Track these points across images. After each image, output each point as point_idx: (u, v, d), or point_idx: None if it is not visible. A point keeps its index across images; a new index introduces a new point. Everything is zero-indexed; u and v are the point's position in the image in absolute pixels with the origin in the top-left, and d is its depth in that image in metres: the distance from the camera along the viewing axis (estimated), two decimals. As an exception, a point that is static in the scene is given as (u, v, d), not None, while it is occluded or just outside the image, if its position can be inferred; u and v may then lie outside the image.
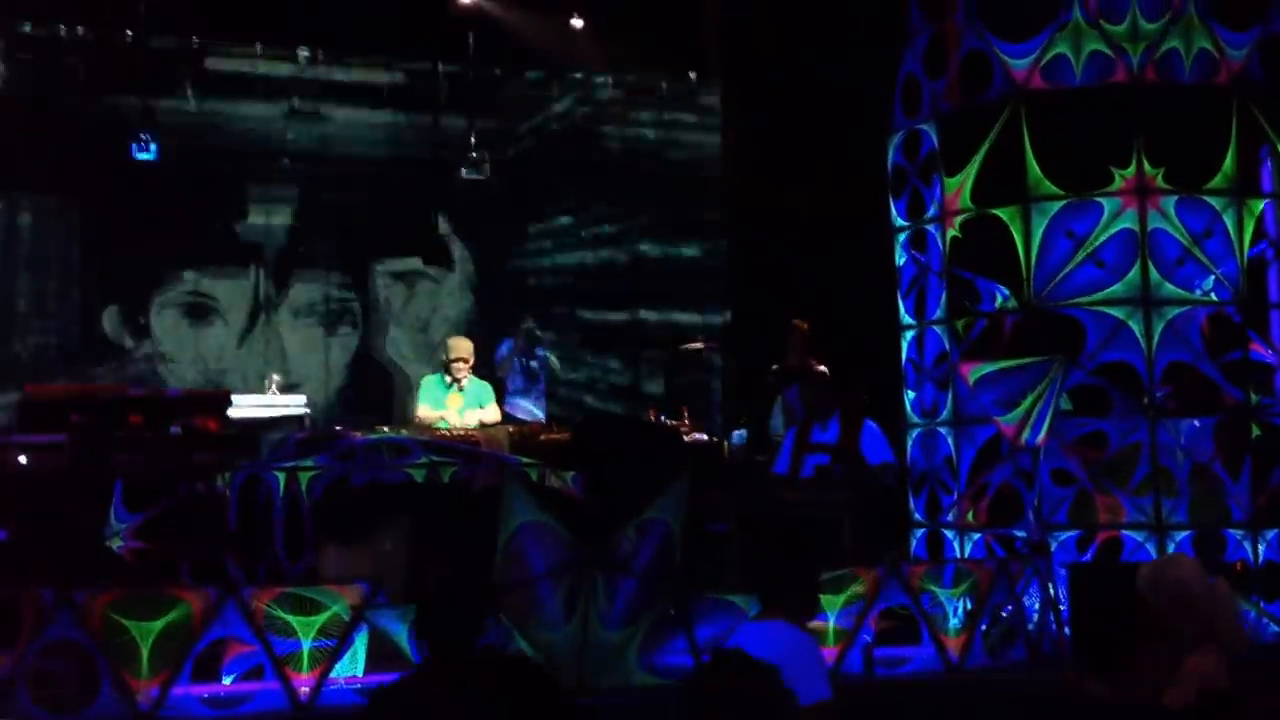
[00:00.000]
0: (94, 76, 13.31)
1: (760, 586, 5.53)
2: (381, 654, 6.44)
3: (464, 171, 14.20)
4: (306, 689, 6.21)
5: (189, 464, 8.50)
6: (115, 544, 7.74)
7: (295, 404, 11.23)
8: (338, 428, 10.30)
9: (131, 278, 13.74)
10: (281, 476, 7.92)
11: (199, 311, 14.19)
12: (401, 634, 6.27)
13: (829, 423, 8.48)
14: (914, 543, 8.85)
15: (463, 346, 10.60)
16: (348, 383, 14.60)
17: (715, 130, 15.86)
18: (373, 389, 14.65)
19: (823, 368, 9.67)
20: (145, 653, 5.97)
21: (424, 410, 10.31)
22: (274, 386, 11.50)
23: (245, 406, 10.53)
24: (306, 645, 6.29)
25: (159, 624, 6.03)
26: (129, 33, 13.36)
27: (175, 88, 13.71)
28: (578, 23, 14.45)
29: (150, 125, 12.65)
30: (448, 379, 10.36)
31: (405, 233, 14.92)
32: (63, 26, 13.38)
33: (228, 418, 9.66)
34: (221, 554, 7.69)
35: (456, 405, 10.28)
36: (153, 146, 12.43)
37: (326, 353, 14.76)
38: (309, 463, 8.09)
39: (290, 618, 6.31)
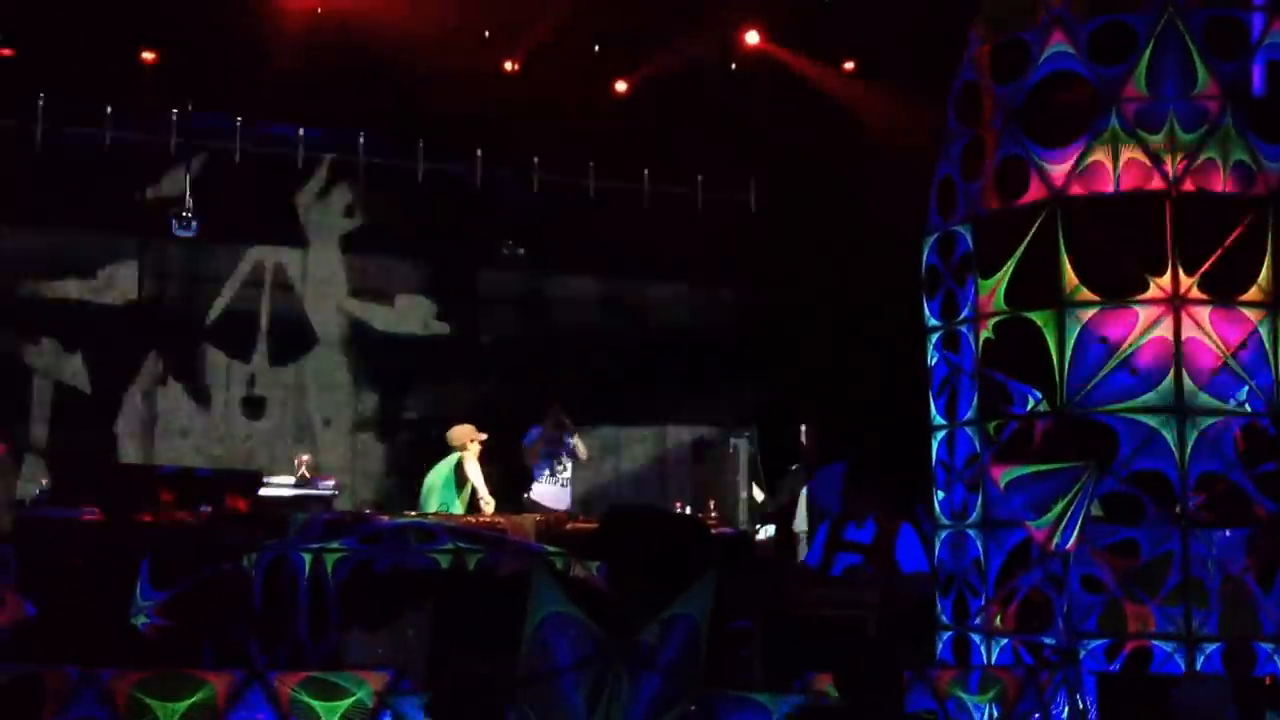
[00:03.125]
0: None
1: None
2: (404, 742, 6.38)
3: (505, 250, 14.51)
4: (328, 775, 6.18)
5: (217, 543, 8.53)
6: (140, 620, 7.75)
7: (324, 485, 11.31)
8: (366, 510, 10.36)
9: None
10: (307, 558, 7.91)
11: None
12: (425, 722, 6.23)
13: (864, 522, 8.43)
14: (940, 646, 8.78)
15: None
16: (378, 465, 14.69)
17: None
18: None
19: None
20: (168, 734, 5.96)
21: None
22: (304, 468, 11.56)
23: (275, 487, 10.63)
24: (329, 730, 6.26)
25: (183, 705, 6.00)
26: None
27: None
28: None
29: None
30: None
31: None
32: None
33: (257, 497, 9.72)
34: (245, 634, 7.69)
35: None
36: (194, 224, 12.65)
37: (355, 434, 14.84)
38: (335, 545, 8.08)
39: (314, 702, 6.27)
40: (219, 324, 14.69)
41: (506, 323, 15.74)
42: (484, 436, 10.96)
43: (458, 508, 10.68)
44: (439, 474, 10.95)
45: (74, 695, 5.89)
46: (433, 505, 10.85)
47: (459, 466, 10.96)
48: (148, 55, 13.31)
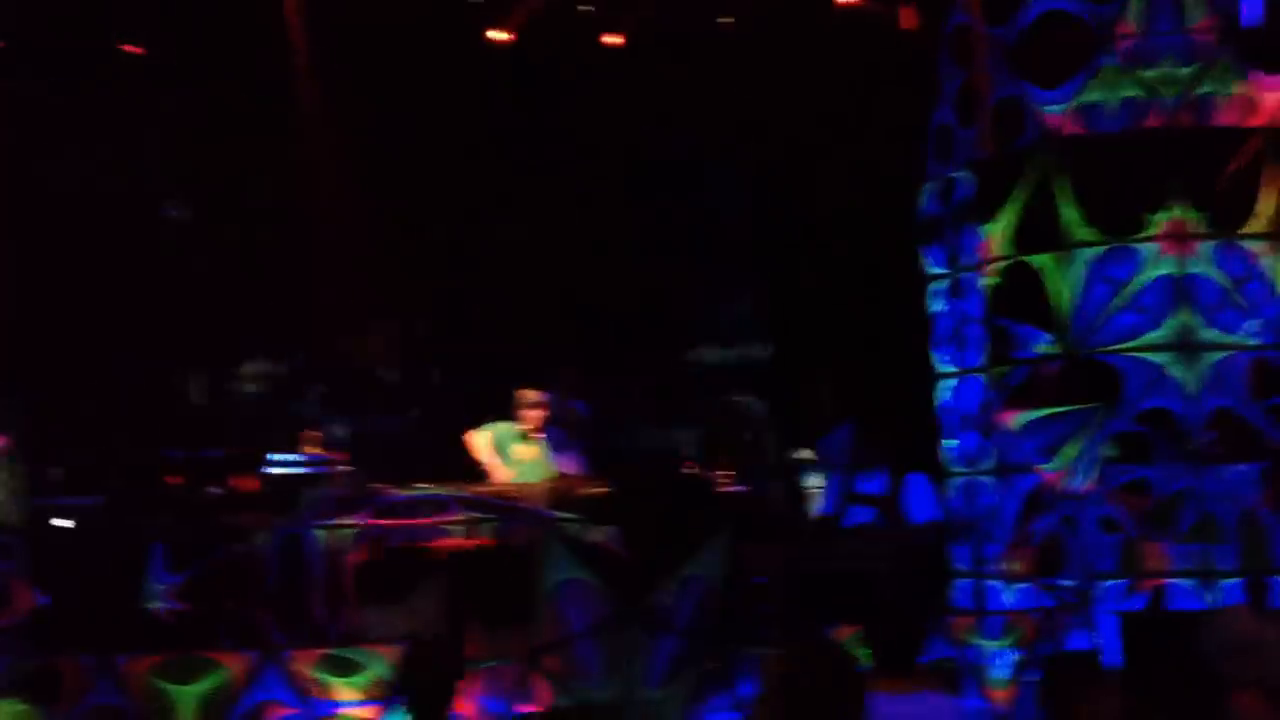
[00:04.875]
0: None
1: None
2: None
3: None
4: (348, 751, 6.18)
5: (228, 524, 8.53)
6: (154, 605, 7.75)
7: (333, 461, 11.27)
8: (376, 485, 10.28)
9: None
10: (320, 535, 7.90)
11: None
12: (443, 695, 6.22)
13: (874, 473, 8.43)
14: (957, 593, 8.75)
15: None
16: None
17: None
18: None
19: None
20: (186, 718, 5.96)
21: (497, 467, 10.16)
22: (311, 445, 11.52)
23: (283, 465, 10.60)
24: (347, 707, 6.26)
25: (199, 688, 6.01)
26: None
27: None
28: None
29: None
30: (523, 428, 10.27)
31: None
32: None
33: (266, 476, 9.71)
34: (261, 614, 7.69)
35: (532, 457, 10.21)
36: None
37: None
38: (348, 521, 8.08)
39: (331, 679, 6.28)
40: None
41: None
42: (533, 413, 10.49)
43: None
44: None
45: (90, 683, 5.89)
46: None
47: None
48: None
